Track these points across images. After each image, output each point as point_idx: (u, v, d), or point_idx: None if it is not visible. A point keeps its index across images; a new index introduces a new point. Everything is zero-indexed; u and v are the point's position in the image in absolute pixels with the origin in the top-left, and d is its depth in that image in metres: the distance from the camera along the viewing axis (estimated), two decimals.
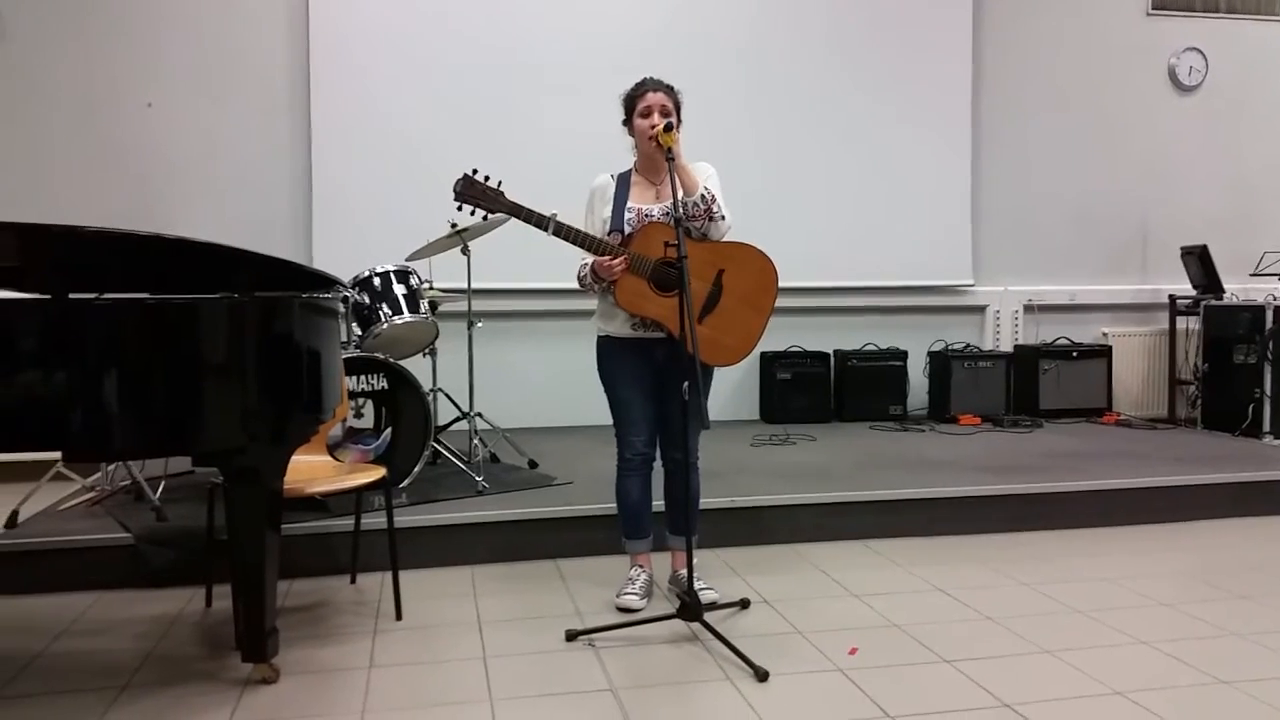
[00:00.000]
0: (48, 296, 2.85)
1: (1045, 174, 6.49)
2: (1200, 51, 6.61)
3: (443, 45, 5.59)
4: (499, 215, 3.09)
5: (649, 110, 3.05)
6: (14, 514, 3.62)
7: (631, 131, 3.14)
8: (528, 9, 5.68)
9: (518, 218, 3.00)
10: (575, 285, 3.18)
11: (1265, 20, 6.72)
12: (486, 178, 3.06)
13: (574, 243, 3.00)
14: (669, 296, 2.96)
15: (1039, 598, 3.30)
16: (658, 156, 3.00)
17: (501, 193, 3.05)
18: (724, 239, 3.11)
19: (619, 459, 3.20)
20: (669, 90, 3.11)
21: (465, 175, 3.05)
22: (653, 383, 3.14)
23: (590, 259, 3.04)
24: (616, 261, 2.96)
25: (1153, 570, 3.60)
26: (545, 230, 2.98)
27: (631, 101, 3.11)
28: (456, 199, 3.05)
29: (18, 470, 3.94)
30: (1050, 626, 3.02)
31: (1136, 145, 6.61)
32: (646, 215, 3.07)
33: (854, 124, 6.11)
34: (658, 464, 3.24)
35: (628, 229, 3.06)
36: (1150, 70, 6.62)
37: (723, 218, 3.06)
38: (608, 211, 3.11)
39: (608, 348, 3.17)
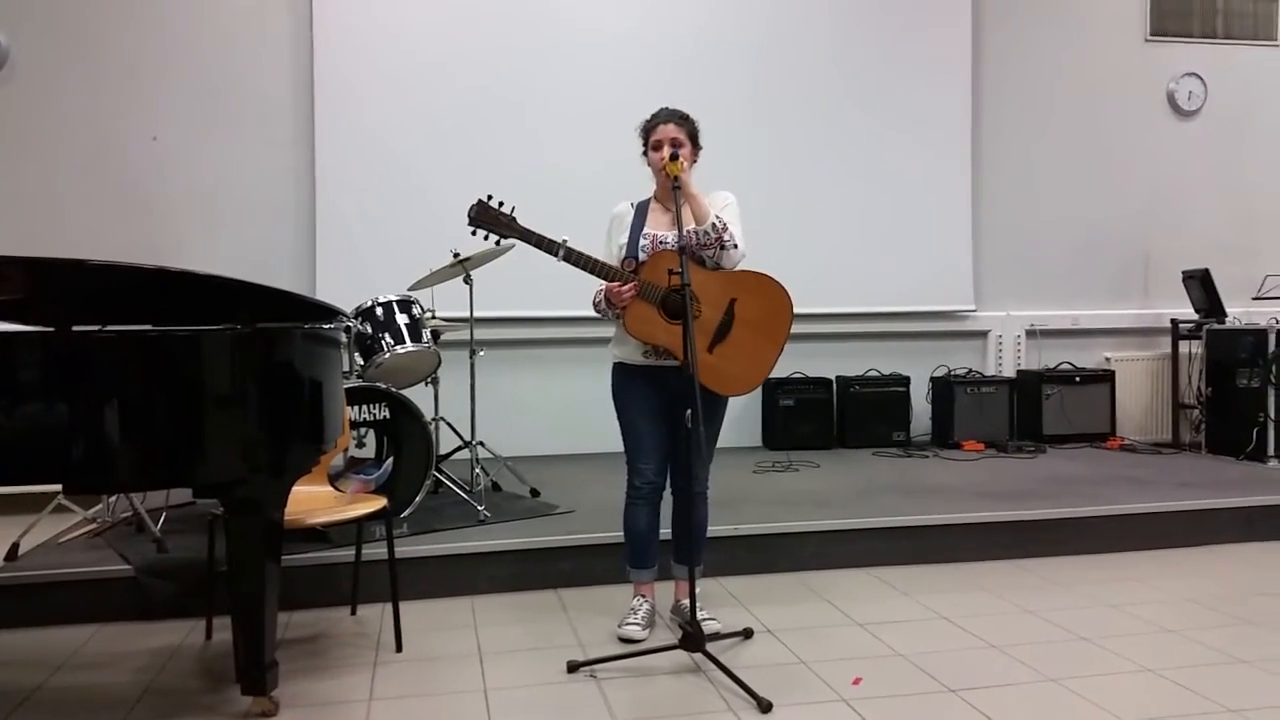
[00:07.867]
0: (51, 329, 2.86)
1: (1046, 199, 6.50)
2: (1199, 77, 6.65)
3: (445, 77, 5.64)
4: (509, 241, 3.12)
5: (660, 142, 3.10)
6: (15, 546, 3.61)
7: (649, 161, 3.18)
8: (530, 41, 5.73)
9: (529, 243, 3.03)
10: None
11: (1263, 45, 6.76)
12: (500, 204, 3.09)
13: (583, 268, 3.02)
14: (678, 324, 2.96)
15: (1044, 625, 3.28)
16: (669, 185, 3.03)
17: (514, 219, 3.08)
18: (738, 268, 3.12)
19: (629, 487, 3.18)
20: (681, 121, 3.15)
21: (480, 201, 3.08)
22: (665, 411, 3.13)
23: (605, 285, 3.06)
24: (626, 288, 2.98)
25: (1158, 596, 3.58)
26: (556, 256, 3.00)
27: (647, 133, 3.17)
28: (471, 224, 3.08)
29: (19, 502, 3.93)
30: (1056, 654, 3.00)
31: (1137, 170, 6.63)
32: (661, 242, 3.09)
33: (854, 153, 6.14)
34: (666, 493, 3.23)
35: (642, 255, 3.08)
36: (1150, 95, 6.65)
37: (735, 246, 3.06)
38: (624, 238, 3.14)
39: (621, 375, 3.18)
